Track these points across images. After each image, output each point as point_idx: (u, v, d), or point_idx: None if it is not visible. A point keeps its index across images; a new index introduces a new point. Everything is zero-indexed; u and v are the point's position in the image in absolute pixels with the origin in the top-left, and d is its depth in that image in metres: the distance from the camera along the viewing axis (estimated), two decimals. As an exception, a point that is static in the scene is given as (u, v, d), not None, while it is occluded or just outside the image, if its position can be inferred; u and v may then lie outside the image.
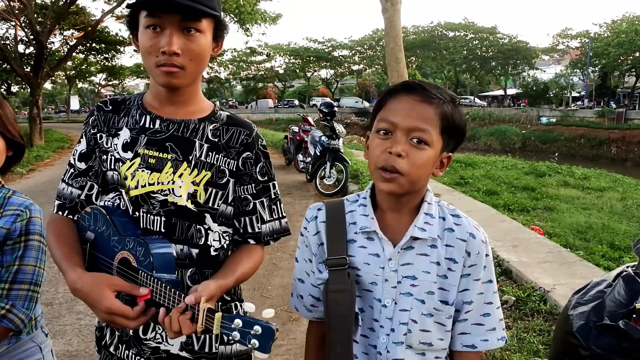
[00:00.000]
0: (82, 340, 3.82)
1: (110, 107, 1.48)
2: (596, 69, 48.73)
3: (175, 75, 1.34)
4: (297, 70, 64.47)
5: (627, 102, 42.97)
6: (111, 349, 1.47)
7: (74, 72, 43.79)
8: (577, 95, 52.61)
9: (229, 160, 1.46)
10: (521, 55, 52.58)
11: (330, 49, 61.16)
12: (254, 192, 1.50)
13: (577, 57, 49.80)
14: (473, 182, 10.38)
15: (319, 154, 9.68)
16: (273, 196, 1.55)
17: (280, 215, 1.57)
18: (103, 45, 28.66)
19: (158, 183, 1.39)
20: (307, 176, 10.40)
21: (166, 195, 1.39)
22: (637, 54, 41.98)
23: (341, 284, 1.26)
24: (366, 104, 59.52)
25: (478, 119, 44.04)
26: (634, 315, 1.99)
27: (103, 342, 1.51)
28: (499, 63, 55.12)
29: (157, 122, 1.43)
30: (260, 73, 64.46)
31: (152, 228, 1.39)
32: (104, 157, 1.43)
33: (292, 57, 62.13)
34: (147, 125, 1.43)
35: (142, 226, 1.39)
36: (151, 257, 1.27)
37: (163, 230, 1.39)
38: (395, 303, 1.25)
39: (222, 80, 62.63)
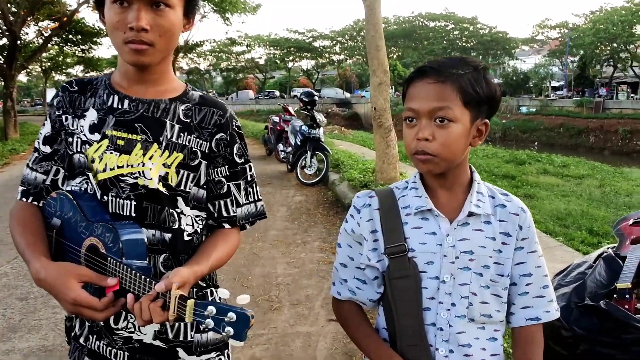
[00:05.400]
0: (59, 335, 3.73)
1: (76, 88, 1.41)
2: (575, 59, 49.24)
3: (144, 53, 1.28)
4: (278, 61, 64.13)
5: (604, 93, 43.45)
6: (81, 340, 1.41)
7: (49, 64, 42.96)
8: (557, 85, 53.14)
9: (201, 141, 1.40)
10: (501, 45, 52.97)
11: (311, 39, 60.94)
12: (228, 174, 1.44)
13: (556, 47, 50.28)
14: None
15: (299, 143, 9.60)
16: (249, 178, 1.50)
17: (256, 198, 1.52)
18: (79, 37, 28.05)
19: (127, 165, 1.33)
20: (288, 166, 10.31)
21: (136, 178, 1.33)
22: (614, 45, 42.48)
23: (403, 270, 1.27)
24: (347, 95, 59.48)
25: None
26: (615, 295, 1.98)
27: (73, 333, 1.45)
28: (480, 53, 55.37)
29: (126, 102, 1.36)
30: (240, 64, 64.05)
31: (121, 213, 1.33)
32: (70, 139, 1.36)
33: (272, 48, 61.77)
34: (115, 106, 1.36)
35: (111, 211, 1.32)
36: (120, 243, 1.21)
37: (133, 214, 1.33)
38: (454, 278, 1.26)
39: (201, 71, 62.05)
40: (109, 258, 1.21)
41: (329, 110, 44.02)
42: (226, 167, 1.44)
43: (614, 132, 33.62)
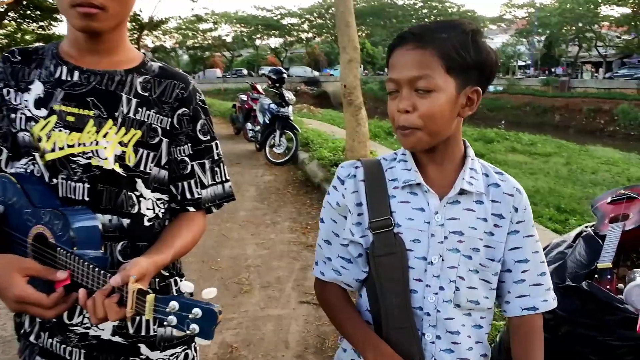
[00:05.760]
0: (18, 322, 3.56)
1: (19, 58, 1.25)
2: (542, 38, 49.77)
3: (95, 18, 1.13)
4: (245, 39, 63.15)
5: (569, 71, 44.16)
6: (31, 338, 1.27)
7: (6, 41, 41.42)
8: (524, 64, 53.73)
9: (161, 117, 1.27)
10: (469, 24, 53.08)
11: (279, 17, 60.09)
12: (191, 152, 1.32)
13: (523, 27, 50.72)
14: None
15: (268, 122, 9.43)
16: (216, 157, 1.38)
17: (223, 179, 1.40)
18: (38, 13, 27.04)
19: (79, 144, 1.19)
20: (257, 145, 10.15)
21: (89, 158, 1.20)
22: (580, 24, 43.02)
23: (389, 247, 1.18)
24: (315, 73, 59.07)
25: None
26: (596, 276, 1.94)
27: (22, 330, 1.31)
28: (447, 32, 55.32)
29: (76, 73, 1.22)
30: (207, 42, 62.77)
31: (73, 197, 1.19)
32: (13, 115, 1.21)
33: (240, 25, 60.78)
34: (63, 78, 1.22)
35: (61, 195, 1.19)
36: (71, 231, 1.08)
37: (87, 198, 1.20)
38: (442, 260, 1.17)
39: (167, 49, 60.67)
40: (59, 248, 1.08)
41: (298, 88, 43.60)
42: (189, 145, 1.32)
43: (578, 110, 34.22)
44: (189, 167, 1.32)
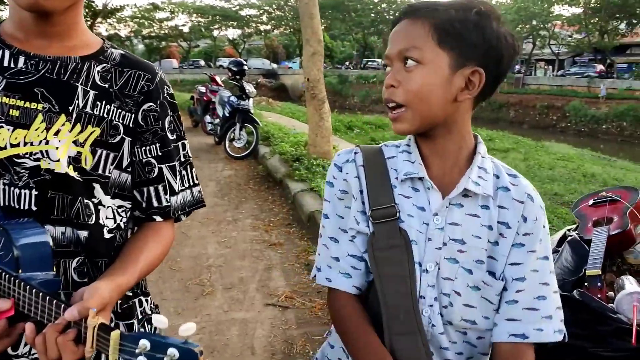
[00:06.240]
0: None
1: None
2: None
3: None
4: (203, 30, 61.94)
5: (523, 69, 45.18)
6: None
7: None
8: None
9: (124, 112, 1.10)
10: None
11: (238, 7, 59.19)
12: (159, 154, 1.15)
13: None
14: (385, 144, 10.40)
15: (227, 115, 9.18)
16: (183, 159, 1.22)
17: (192, 183, 1.24)
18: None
19: (25, 143, 1.01)
20: (216, 138, 9.89)
21: (37, 160, 1.01)
22: (534, 23, 44.01)
23: (392, 239, 1.04)
24: (274, 66, 58.60)
25: (385, 82, 44.78)
26: (585, 283, 1.85)
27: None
28: (406, 27, 55.92)
29: (21, 59, 1.03)
30: (163, 32, 61.32)
31: (17, 206, 1.01)
32: None
33: (197, 15, 59.57)
34: (5, 64, 1.02)
35: (2, 204, 1.00)
36: (15, 250, 0.90)
37: (34, 208, 1.02)
38: (439, 268, 1.03)
39: (122, 38, 58.97)
40: (1, 272, 0.90)
41: (258, 80, 43.14)
42: (157, 145, 1.15)
43: (532, 107, 35.03)
44: (156, 171, 1.15)
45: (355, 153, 1.13)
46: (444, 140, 1.06)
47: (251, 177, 7.65)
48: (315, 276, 1.15)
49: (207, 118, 10.64)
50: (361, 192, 1.09)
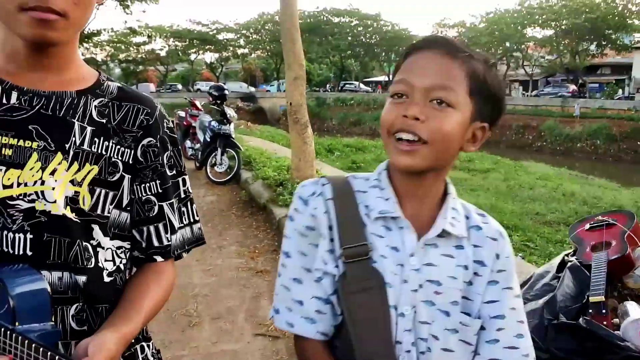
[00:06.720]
0: None
1: None
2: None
3: (53, 26, 0.90)
4: (180, 53, 62.01)
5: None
6: None
7: None
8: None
9: (123, 148, 1.05)
10: (403, 42, 54.39)
11: (215, 31, 59.40)
12: (159, 191, 1.10)
13: (454, 45, 52.62)
14: (365, 166, 10.45)
15: (209, 139, 9.14)
16: (183, 195, 1.17)
17: (193, 220, 1.19)
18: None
19: (19, 184, 0.95)
20: (197, 163, 9.77)
21: (32, 201, 0.95)
22: (507, 44, 44.97)
23: (365, 280, 0.98)
24: (252, 89, 58.78)
25: (363, 104, 45.13)
26: (590, 310, 1.83)
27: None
28: (383, 50, 56.72)
29: (14, 94, 0.98)
30: (140, 55, 61.24)
31: (11, 251, 0.95)
32: None
33: (174, 39, 59.64)
34: None
35: None
36: (11, 300, 0.84)
37: (29, 253, 0.95)
38: (415, 312, 0.99)
39: (98, 62, 58.70)
40: (-4, 325, 0.84)
41: (238, 105, 43.12)
42: (157, 182, 1.10)
43: (508, 126, 35.51)
44: (156, 209, 1.10)
45: (323, 185, 1.06)
46: (431, 182, 1.03)
47: (234, 203, 7.57)
48: (272, 317, 1.09)
49: (188, 143, 10.56)
50: (330, 228, 1.02)
